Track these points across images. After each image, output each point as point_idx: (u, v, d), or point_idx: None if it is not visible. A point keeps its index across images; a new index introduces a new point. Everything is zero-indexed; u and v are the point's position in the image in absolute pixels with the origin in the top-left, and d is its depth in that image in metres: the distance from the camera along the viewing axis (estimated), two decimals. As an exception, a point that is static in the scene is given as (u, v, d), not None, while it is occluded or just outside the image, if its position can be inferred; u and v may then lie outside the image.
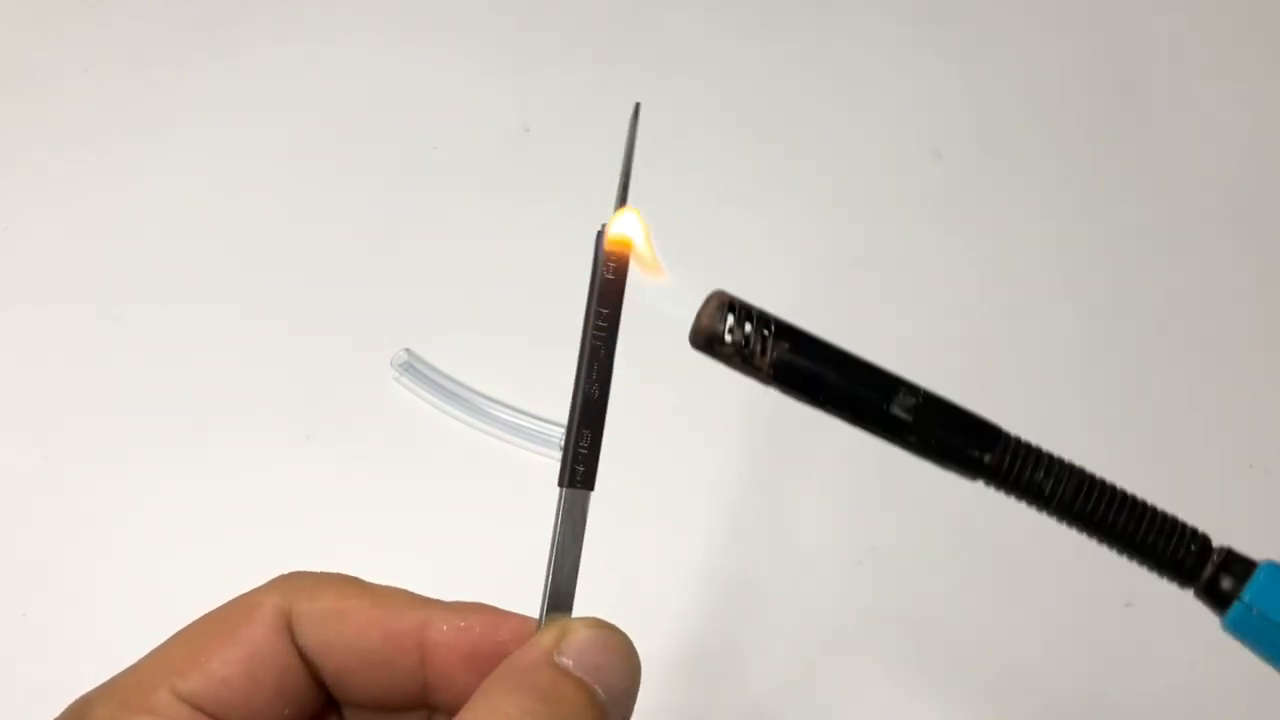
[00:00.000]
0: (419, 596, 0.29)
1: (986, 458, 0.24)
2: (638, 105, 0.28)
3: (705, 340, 0.24)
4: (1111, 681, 0.49)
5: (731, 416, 0.56)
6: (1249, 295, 0.61)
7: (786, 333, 0.24)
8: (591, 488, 0.27)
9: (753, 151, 0.67)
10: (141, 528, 0.53)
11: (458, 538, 0.53)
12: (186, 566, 0.52)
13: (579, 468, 0.27)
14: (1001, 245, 0.63)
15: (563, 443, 0.27)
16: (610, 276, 0.27)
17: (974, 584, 0.52)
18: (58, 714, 0.26)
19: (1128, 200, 0.65)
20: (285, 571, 0.29)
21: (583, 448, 0.27)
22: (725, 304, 0.24)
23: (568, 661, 0.25)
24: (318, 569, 0.30)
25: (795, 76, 0.71)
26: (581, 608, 0.27)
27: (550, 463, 0.54)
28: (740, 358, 0.24)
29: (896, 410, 0.24)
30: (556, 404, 0.56)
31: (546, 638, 0.26)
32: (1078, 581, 0.51)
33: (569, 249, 0.63)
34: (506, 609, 0.29)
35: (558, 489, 0.27)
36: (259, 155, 0.67)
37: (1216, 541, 0.24)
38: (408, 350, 0.58)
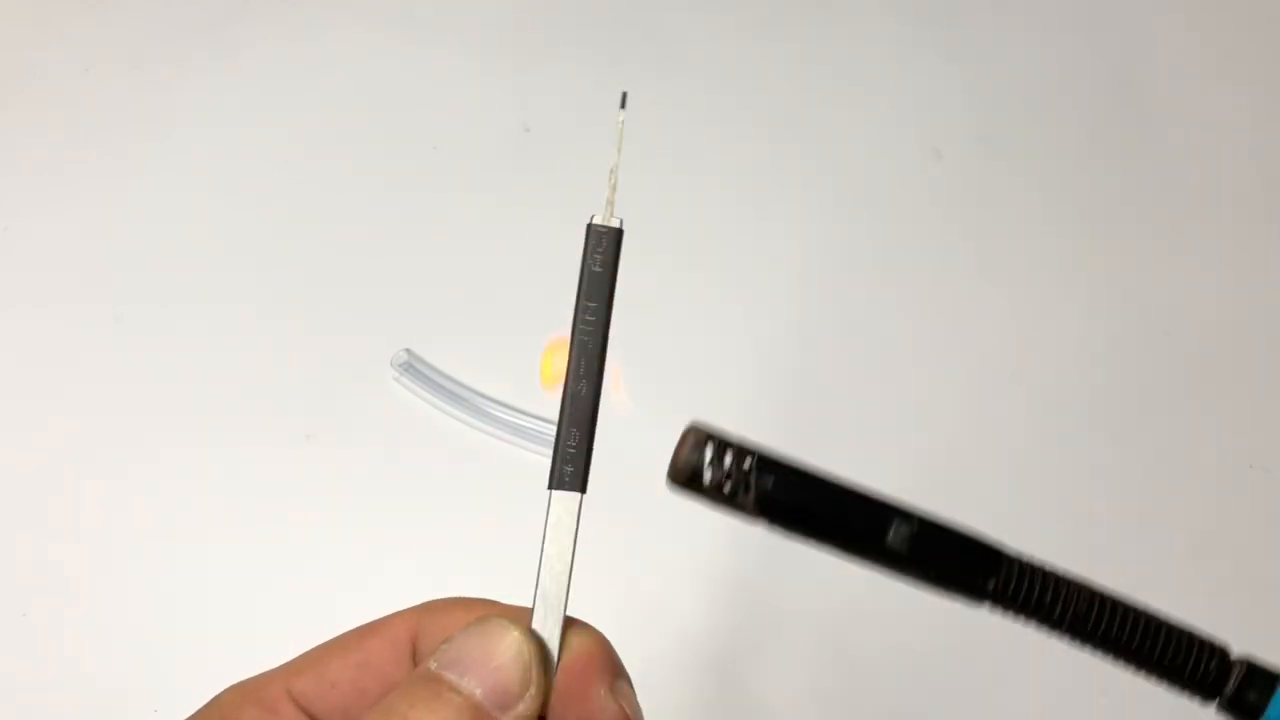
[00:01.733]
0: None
1: (990, 584, 0.23)
2: (624, 94, 0.28)
3: (685, 479, 0.22)
4: (1111, 681, 0.49)
5: (731, 417, 0.56)
6: (1249, 295, 0.61)
7: (769, 466, 0.22)
8: (582, 489, 0.26)
9: (753, 151, 0.67)
10: (141, 528, 0.53)
11: (457, 537, 0.53)
12: (186, 566, 0.52)
13: (568, 468, 0.26)
14: (1001, 245, 0.63)
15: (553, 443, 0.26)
16: (598, 269, 0.26)
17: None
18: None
19: (1127, 200, 0.65)
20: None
21: (570, 447, 0.26)
22: (702, 440, 0.22)
23: (433, 665, 0.25)
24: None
25: (795, 76, 0.71)
26: (583, 610, 0.27)
27: (549, 462, 0.54)
28: (722, 495, 0.22)
29: (893, 542, 0.22)
30: (556, 404, 0.56)
31: (430, 656, 0.26)
32: (1078, 581, 0.51)
33: (569, 249, 0.63)
34: None
35: (547, 492, 0.26)
36: (259, 155, 0.67)
37: (1235, 651, 0.23)
38: (408, 350, 0.58)
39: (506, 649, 0.25)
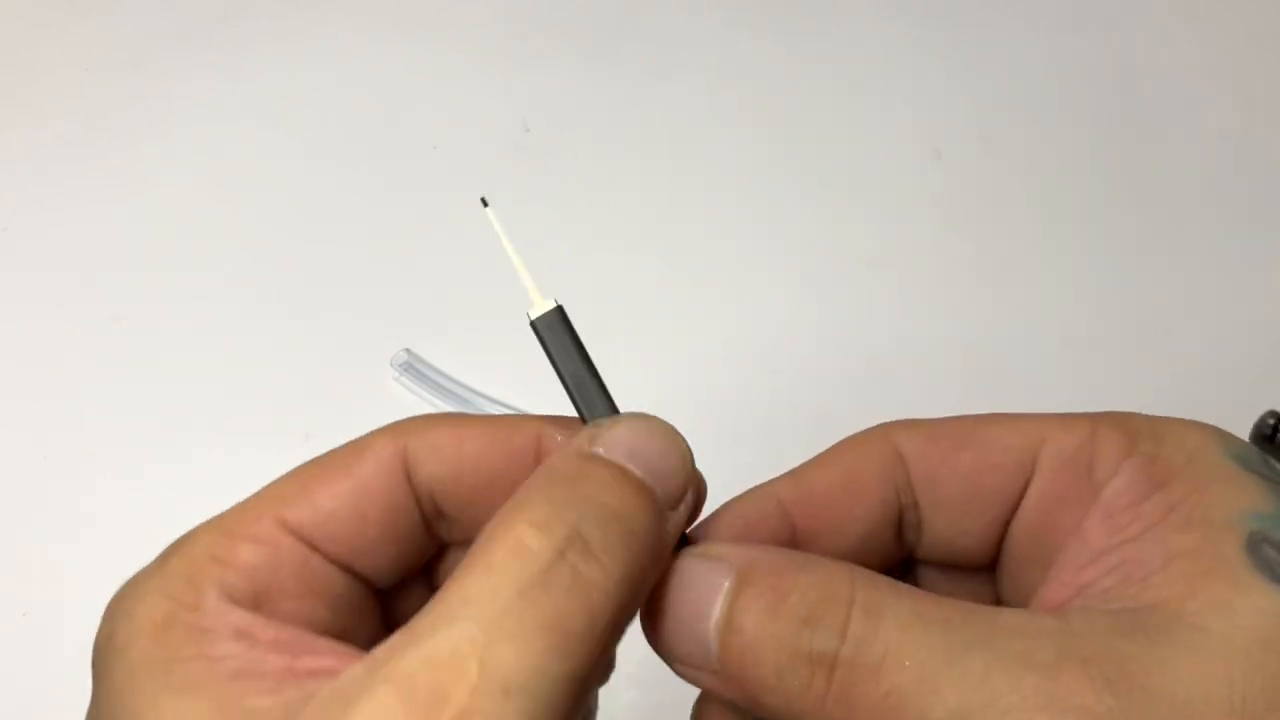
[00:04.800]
0: (529, 415, 0.28)
1: None
2: (483, 199, 0.29)
3: (1258, 440, 0.46)
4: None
5: (730, 411, 0.56)
6: (1249, 294, 0.61)
7: None
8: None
9: (752, 151, 0.67)
10: (141, 528, 0.53)
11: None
12: (186, 566, 0.52)
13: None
14: (1001, 245, 0.63)
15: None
16: (562, 350, 0.28)
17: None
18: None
19: (1127, 200, 0.65)
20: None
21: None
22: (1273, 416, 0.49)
23: (600, 450, 0.24)
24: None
25: (795, 77, 0.71)
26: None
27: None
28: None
29: None
30: (557, 404, 0.56)
31: (581, 437, 0.25)
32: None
33: (570, 248, 0.63)
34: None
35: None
36: (259, 155, 0.67)
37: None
38: (408, 350, 0.58)
39: (676, 446, 0.25)
